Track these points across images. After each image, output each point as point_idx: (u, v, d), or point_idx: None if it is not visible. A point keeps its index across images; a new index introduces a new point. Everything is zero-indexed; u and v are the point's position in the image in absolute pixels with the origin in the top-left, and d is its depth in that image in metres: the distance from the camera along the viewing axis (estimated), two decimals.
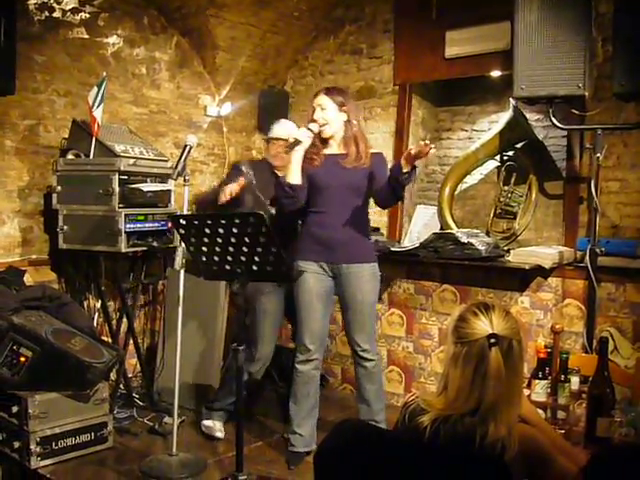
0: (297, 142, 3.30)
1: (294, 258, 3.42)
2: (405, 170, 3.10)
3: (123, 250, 3.82)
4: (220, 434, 3.84)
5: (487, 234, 4.22)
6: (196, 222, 2.87)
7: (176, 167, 3.42)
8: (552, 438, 1.90)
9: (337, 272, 3.44)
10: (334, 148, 3.47)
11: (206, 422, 3.89)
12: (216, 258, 2.90)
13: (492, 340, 1.68)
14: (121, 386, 4.18)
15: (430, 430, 1.70)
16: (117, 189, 3.81)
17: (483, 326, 1.70)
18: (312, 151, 3.41)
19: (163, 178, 4.12)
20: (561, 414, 2.39)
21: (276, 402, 4.42)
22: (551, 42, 3.40)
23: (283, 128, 3.96)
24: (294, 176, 3.34)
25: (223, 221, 2.79)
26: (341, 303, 3.55)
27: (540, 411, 2.26)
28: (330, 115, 3.38)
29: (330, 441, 1.66)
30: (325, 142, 3.47)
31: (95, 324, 4.20)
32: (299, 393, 3.53)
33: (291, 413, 3.57)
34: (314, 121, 3.37)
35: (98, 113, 3.87)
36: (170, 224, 3.92)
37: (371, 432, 1.70)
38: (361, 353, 3.48)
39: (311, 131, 3.33)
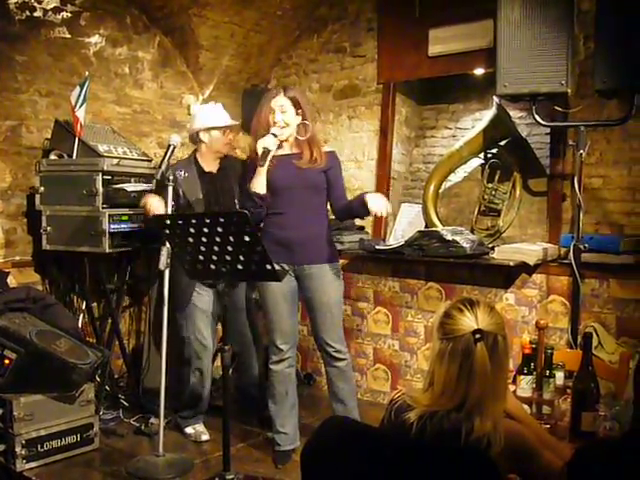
0: (268, 151, 3.26)
1: None
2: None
3: (107, 251, 3.81)
4: (205, 436, 3.84)
5: (471, 231, 4.24)
6: (180, 222, 2.86)
7: (160, 167, 3.41)
8: (538, 433, 1.91)
9: (299, 273, 3.43)
10: (286, 148, 3.43)
11: (188, 430, 3.89)
12: (201, 258, 2.89)
13: (477, 336, 1.69)
14: (107, 387, 4.15)
15: (416, 426, 1.71)
16: (101, 189, 3.79)
17: (468, 322, 1.71)
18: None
19: (147, 178, 4.10)
20: (546, 409, 2.40)
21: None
22: (534, 40, 3.41)
23: (226, 116, 3.85)
24: (262, 185, 3.32)
25: (207, 220, 2.78)
26: (306, 305, 3.52)
27: (525, 406, 2.27)
28: (290, 118, 3.35)
29: (316, 438, 1.66)
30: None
31: (80, 325, 4.18)
32: (277, 393, 3.53)
33: (272, 413, 3.56)
34: (274, 124, 3.33)
35: (81, 113, 3.85)
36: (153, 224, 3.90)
37: (357, 429, 1.70)
38: (334, 353, 3.47)
39: (275, 136, 3.30)
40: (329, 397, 3.60)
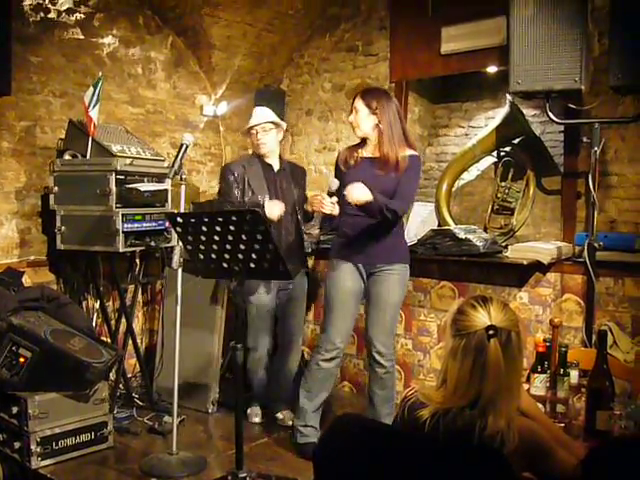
0: (332, 194, 3.29)
1: (330, 254, 3.58)
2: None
3: (121, 250, 3.82)
4: (257, 419, 4.09)
5: (485, 230, 4.22)
6: (193, 221, 2.87)
7: (172, 166, 3.41)
8: (552, 431, 1.90)
9: (370, 272, 3.46)
10: (369, 151, 3.46)
11: (247, 410, 4.06)
12: (213, 256, 2.90)
13: (490, 332, 1.68)
14: (120, 386, 4.18)
15: (430, 424, 1.70)
16: (114, 189, 3.80)
17: (482, 318, 1.70)
18: (350, 154, 3.48)
19: (160, 178, 4.12)
20: (560, 408, 2.38)
21: None
22: (547, 36, 3.39)
23: (259, 115, 3.96)
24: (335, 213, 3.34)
25: (220, 219, 2.79)
26: (367, 303, 3.53)
27: (539, 405, 2.26)
28: (359, 119, 3.41)
29: (329, 435, 1.66)
30: (364, 142, 3.48)
31: (94, 324, 4.21)
32: (315, 389, 3.53)
33: (303, 406, 3.55)
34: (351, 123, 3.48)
35: (94, 113, 3.87)
36: (167, 223, 3.91)
37: (370, 426, 1.70)
38: (375, 355, 3.47)
39: (332, 194, 3.30)
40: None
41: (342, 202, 3.29)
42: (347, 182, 3.28)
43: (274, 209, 3.73)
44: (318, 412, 3.59)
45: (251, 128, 3.94)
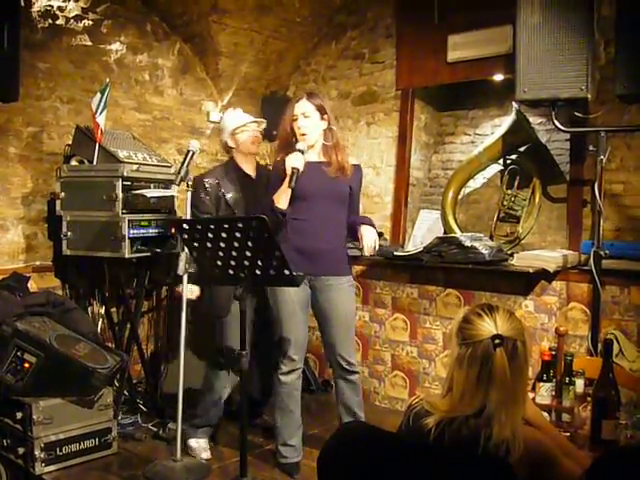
0: (297, 171, 3.18)
1: None
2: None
3: (127, 256, 3.83)
4: (206, 454, 3.67)
5: (491, 238, 4.21)
6: (199, 227, 2.87)
7: (179, 173, 3.42)
8: (557, 440, 1.89)
9: (315, 284, 3.38)
10: (314, 156, 3.38)
11: (191, 442, 3.71)
12: (219, 263, 2.90)
13: (497, 341, 1.67)
14: (125, 392, 4.17)
15: (435, 432, 1.70)
16: (121, 195, 3.82)
17: (487, 327, 1.70)
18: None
19: (166, 184, 4.13)
20: (566, 417, 2.37)
21: None
22: (553, 45, 3.39)
23: (245, 115, 3.80)
24: (285, 203, 3.25)
25: (226, 226, 2.79)
26: (320, 317, 3.45)
27: (545, 414, 2.25)
28: (314, 123, 3.32)
29: (334, 442, 1.65)
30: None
31: (99, 330, 4.21)
32: (285, 406, 3.45)
33: (279, 426, 3.47)
34: (299, 129, 3.31)
35: (101, 119, 3.89)
36: (173, 229, 3.92)
37: (375, 433, 1.69)
38: (347, 367, 3.43)
39: (303, 153, 3.23)
40: (338, 409, 3.53)
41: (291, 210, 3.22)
42: (302, 189, 3.24)
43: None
44: (296, 429, 3.49)
45: (242, 127, 3.71)
